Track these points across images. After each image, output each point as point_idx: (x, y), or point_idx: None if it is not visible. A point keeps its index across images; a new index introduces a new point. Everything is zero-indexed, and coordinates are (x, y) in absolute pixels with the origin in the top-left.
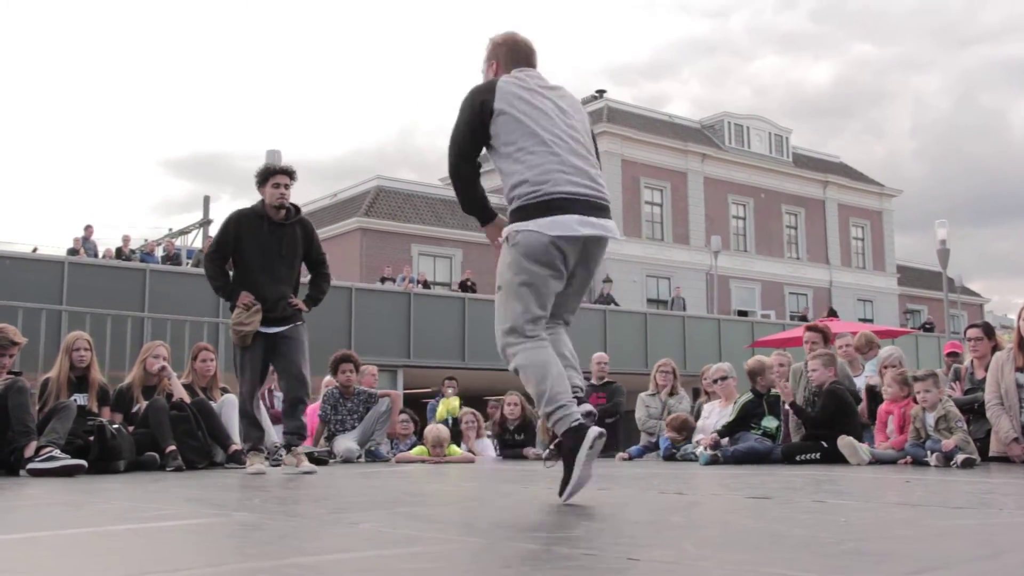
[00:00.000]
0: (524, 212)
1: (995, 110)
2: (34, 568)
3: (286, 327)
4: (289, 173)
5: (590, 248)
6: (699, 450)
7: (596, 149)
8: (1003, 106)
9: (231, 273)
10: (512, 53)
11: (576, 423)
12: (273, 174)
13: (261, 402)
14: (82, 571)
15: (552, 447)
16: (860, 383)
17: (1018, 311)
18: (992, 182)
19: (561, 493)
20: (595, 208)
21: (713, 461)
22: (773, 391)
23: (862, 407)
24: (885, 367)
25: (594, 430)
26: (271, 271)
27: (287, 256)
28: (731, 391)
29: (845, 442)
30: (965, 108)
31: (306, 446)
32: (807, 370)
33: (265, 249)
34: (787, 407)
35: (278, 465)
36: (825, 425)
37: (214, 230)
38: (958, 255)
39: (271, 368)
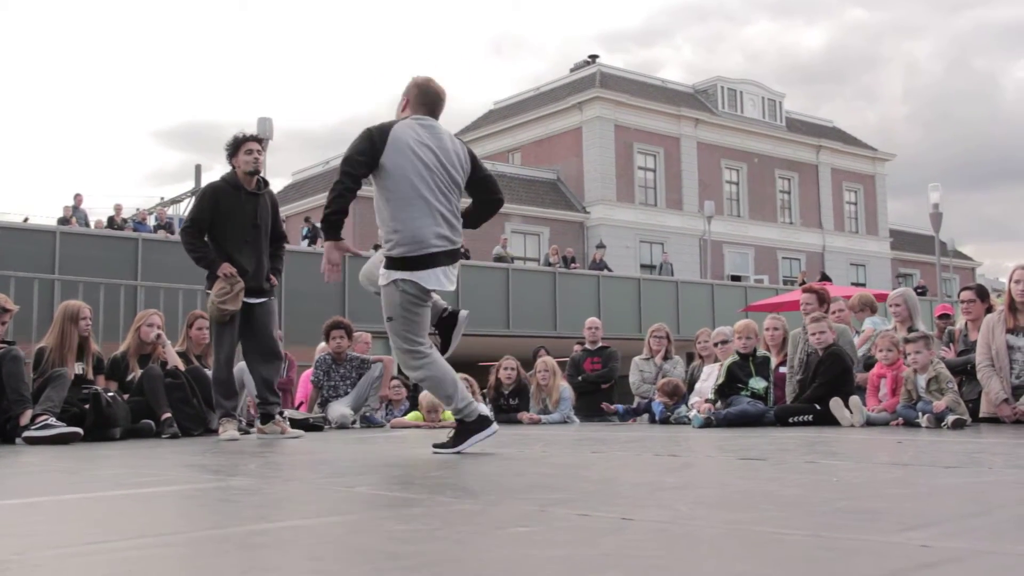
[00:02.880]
0: (403, 263)
1: (987, 74)
2: (32, 532)
3: (262, 299)
4: (259, 140)
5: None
6: (692, 413)
7: (478, 173)
8: (995, 70)
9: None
10: (421, 96)
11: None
12: (244, 142)
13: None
14: (80, 535)
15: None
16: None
17: (1009, 274)
18: (984, 147)
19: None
20: (453, 257)
21: (707, 424)
22: (760, 352)
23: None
24: (891, 305)
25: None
26: (249, 241)
27: (260, 225)
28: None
29: (852, 401)
30: (957, 73)
31: (302, 412)
32: (805, 334)
33: (242, 219)
34: (781, 370)
35: (247, 433)
36: (826, 388)
37: None
38: (950, 219)
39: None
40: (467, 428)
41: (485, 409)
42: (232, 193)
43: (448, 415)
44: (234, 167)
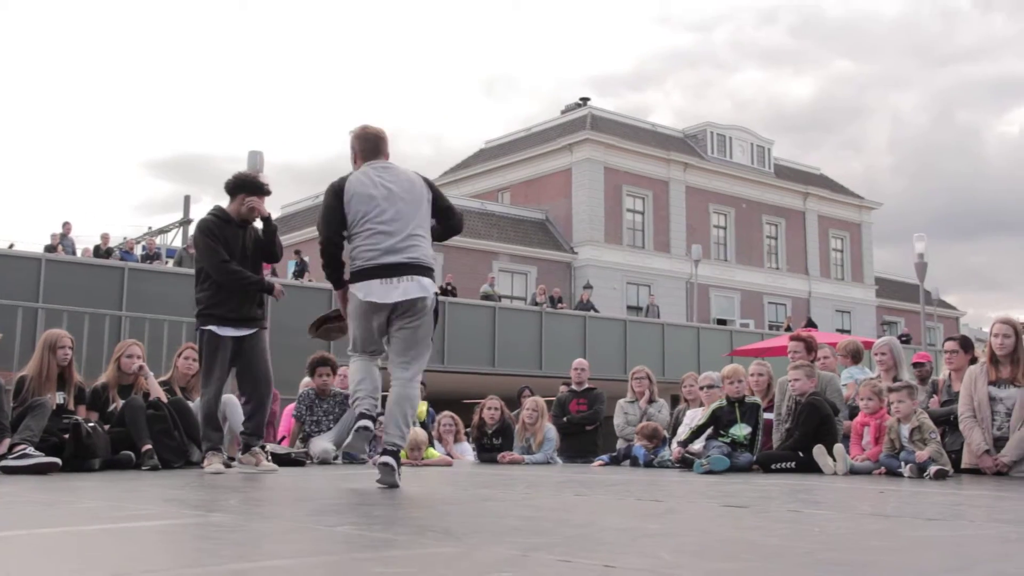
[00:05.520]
0: (352, 277)
1: (970, 128)
2: (6, 569)
3: (252, 330)
4: (266, 192)
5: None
6: (674, 458)
7: (441, 205)
8: (978, 125)
9: (204, 282)
10: (363, 143)
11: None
12: (249, 193)
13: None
14: (56, 572)
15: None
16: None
17: (990, 325)
18: (968, 199)
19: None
20: (400, 268)
21: (695, 468)
22: (748, 399)
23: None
24: (875, 354)
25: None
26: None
27: (251, 256)
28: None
29: (836, 449)
30: (941, 126)
31: (284, 446)
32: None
33: (234, 249)
34: (767, 416)
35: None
36: (808, 437)
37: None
38: (934, 269)
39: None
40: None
41: (367, 410)
42: (224, 225)
43: (431, 453)
44: (232, 204)
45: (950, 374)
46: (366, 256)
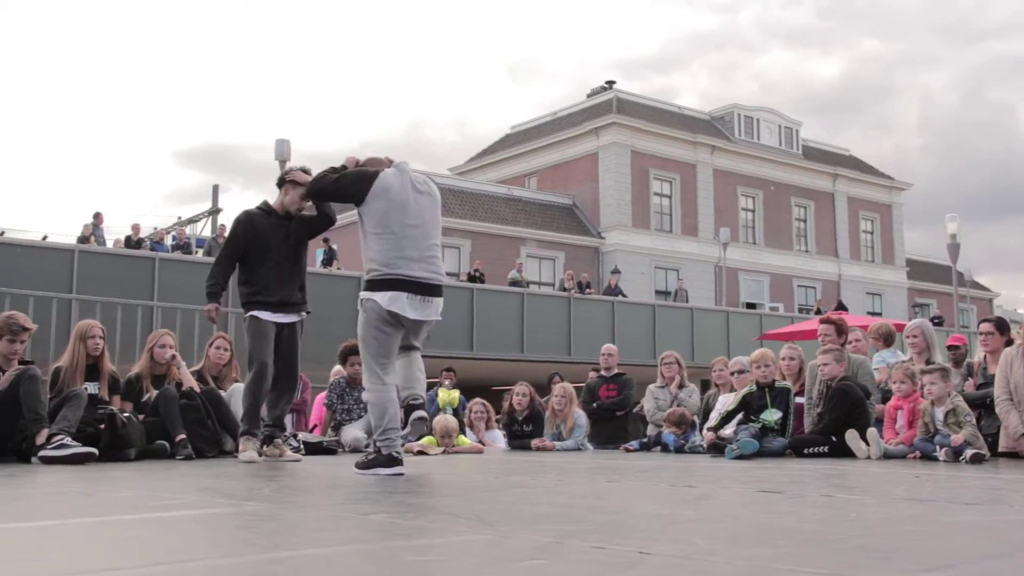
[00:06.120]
0: (371, 285)
1: (1003, 106)
2: (45, 558)
3: (294, 317)
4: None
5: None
6: (706, 444)
7: None
8: (1011, 102)
9: (237, 269)
10: (371, 164)
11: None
12: (298, 183)
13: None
14: (94, 561)
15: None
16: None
17: None
18: (1000, 177)
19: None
20: (431, 290)
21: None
22: (779, 383)
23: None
24: (907, 336)
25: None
26: (279, 261)
27: (294, 245)
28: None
29: (870, 433)
30: (972, 104)
31: (316, 435)
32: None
33: (273, 240)
34: (798, 400)
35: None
36: (839, 422)
37: (223, 218)
38: (967, 249)
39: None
40: (377, 459)
41: (399, 452)
42: (262, 217)
43: (463, 440)
44: (278, 197)
45: (985, 356)
46: (394, 265)
